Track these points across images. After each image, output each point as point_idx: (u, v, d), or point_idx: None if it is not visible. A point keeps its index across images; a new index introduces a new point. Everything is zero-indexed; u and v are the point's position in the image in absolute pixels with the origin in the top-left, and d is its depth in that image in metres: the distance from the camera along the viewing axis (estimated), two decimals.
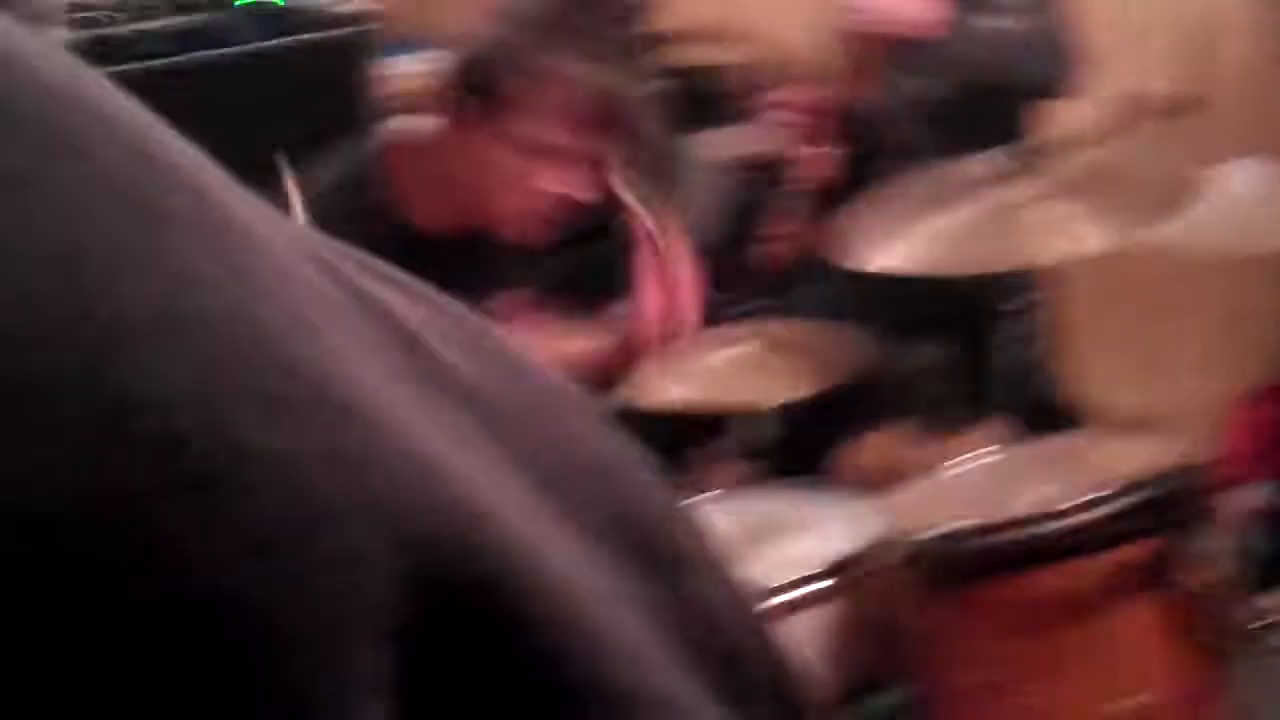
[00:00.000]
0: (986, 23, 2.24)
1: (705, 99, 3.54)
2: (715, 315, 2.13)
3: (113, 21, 2.75)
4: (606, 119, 1.59)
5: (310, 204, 1.54)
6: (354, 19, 2.97)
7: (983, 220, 1.91)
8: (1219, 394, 2.84)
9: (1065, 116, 2.46)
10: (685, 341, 1.81)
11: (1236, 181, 2.29)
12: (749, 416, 2.05)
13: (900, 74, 2.29)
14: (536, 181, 1.60)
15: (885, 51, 2.27)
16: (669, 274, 1.72)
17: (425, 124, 1.69)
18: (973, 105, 2.27)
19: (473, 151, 1.60)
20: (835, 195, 2.23)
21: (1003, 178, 1.92)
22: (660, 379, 2.00)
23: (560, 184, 1.62)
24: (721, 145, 3.18)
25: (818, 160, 2.38)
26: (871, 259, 1.91)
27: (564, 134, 1.59)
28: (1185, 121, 2.59)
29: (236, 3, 2.88)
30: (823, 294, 2.35)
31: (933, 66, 2.24)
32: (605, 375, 1.82)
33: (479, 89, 1.56)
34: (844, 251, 1.94)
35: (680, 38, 3.72)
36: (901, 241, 1.93)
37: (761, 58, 3.53)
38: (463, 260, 1.62)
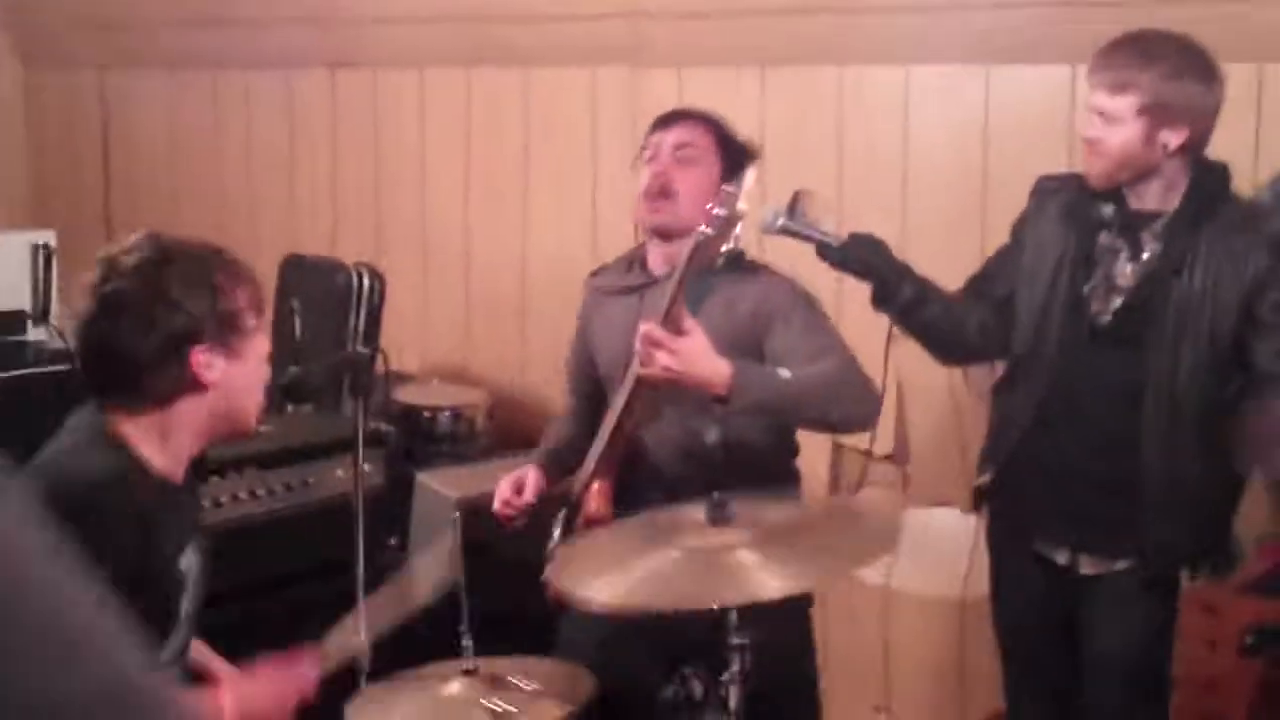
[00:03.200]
0: (783, 373, 2.35)
1: (434, 439, 3.59)
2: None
3: None
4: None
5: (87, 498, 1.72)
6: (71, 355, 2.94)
7: (688, 562, 1.96)
8: None
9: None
10: None
11: (933, 529, 2.42)
12: None
13: (699, 417, 2.38)
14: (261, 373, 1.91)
15: (668, 395, 2.37)
16: None
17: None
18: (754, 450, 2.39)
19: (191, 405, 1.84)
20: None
21: (710, 524, 1.99)
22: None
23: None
24: (453, 484, 3.20)
25: (596, 494, 2.44)
26: (587, 596, 1.94)
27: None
28: (886, 473, 2.73)
29: None
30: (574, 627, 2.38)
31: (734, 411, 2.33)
32: None
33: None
34: (565, 590, 1.97)
35: (408, 378, 3.79)
36: (612, 579, 1.96)
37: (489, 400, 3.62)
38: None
